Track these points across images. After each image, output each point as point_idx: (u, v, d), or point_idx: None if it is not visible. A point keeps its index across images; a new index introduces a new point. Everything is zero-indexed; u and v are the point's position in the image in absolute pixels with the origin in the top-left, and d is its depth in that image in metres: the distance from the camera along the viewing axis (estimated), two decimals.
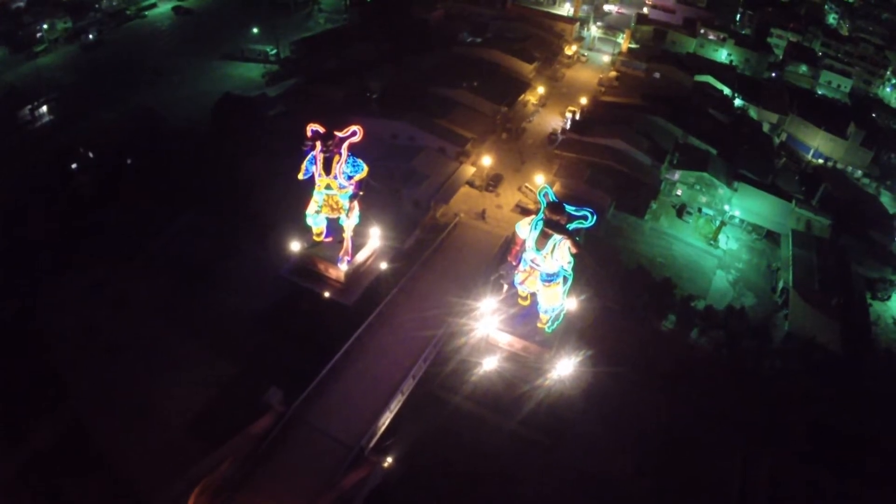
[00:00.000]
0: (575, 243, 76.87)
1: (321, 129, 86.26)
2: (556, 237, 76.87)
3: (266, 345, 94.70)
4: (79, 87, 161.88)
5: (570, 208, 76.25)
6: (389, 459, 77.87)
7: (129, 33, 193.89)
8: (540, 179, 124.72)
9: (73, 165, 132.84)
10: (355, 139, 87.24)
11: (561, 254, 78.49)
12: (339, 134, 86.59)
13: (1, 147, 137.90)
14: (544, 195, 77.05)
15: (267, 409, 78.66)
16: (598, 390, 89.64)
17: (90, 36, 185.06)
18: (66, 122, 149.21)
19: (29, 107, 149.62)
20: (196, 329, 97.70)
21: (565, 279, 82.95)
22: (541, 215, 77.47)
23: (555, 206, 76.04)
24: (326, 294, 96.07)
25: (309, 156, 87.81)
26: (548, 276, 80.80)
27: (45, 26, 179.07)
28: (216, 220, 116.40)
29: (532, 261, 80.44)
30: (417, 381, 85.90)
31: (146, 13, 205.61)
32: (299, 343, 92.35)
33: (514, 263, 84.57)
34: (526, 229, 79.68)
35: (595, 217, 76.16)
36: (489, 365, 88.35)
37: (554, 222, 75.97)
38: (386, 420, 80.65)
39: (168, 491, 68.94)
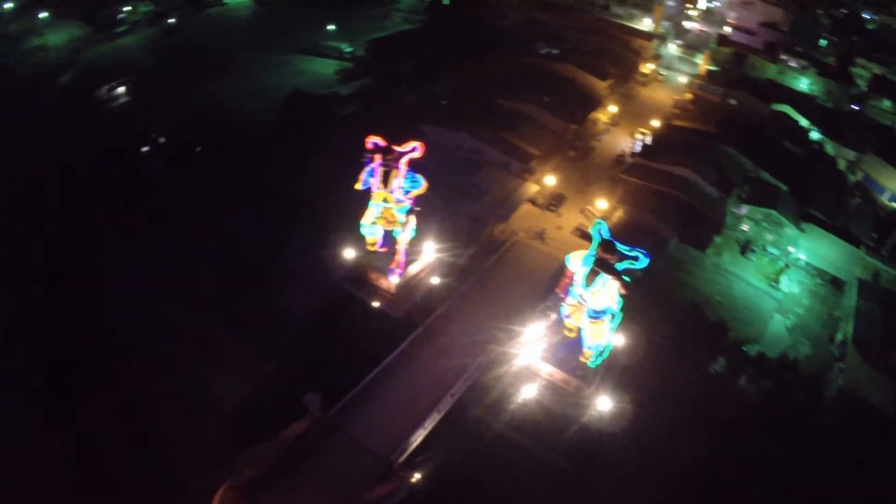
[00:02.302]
0: (624, 284, 75.82)
1: (382, 142, 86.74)
2: (606, 276, 76.00)
3: (312, 347, 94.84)
4: (155, 71, 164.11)
5: (622, 247, 75.53)
6: (418, 475, 77.52)
7: (208, 20, 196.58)
8: (603, 204, 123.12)
9: (144, 148, 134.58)
10: (415, 155, 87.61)
11: (609, 293, 77.78)
12: (398, 148, 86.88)
13: (77, 125, 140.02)
14: (598, 231, 76.11)
15: (304, 412, 79.33)
16: (637, 427, 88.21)
17: (170, 20, 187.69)
18: (140, 105, 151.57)
19: (107, 86, 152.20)
20: (245, 324, 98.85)
21: (613, 317, 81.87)
22: (593, 251, 76.62)
23: (606, 245, 75.27)
24: (376, 304, 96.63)
25: (368, 167, 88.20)
26: (595, 312, 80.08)
27: (127, 8, 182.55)
28: (277, 216, 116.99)
29: (580, 296, 79.89)
30: (455, 400, 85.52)
31: (226, 0, 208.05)
32: (344, 349, 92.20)
33: (562, 296, 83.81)
34: (577, 263, 79.12)
35: (647, 259, 75.23)
36: (529, 393, 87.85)
37: (604, 261, 75.13)
38: (420, 436, 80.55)
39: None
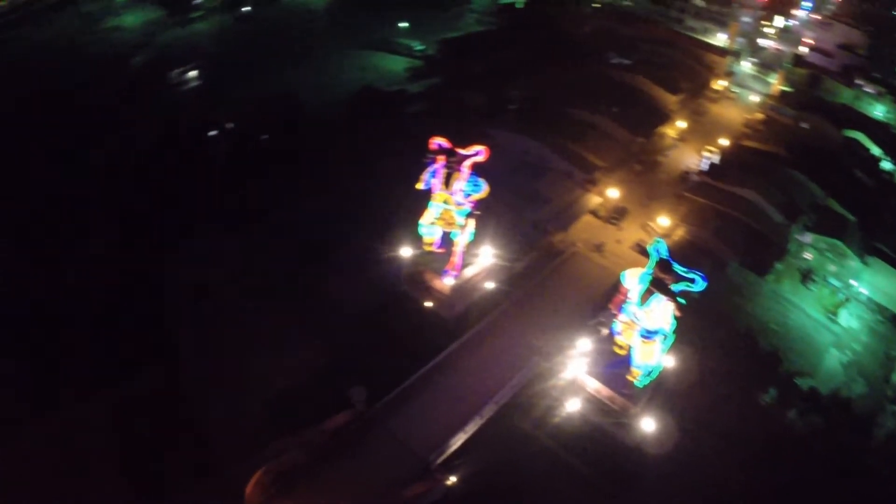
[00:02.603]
0: (679, 306, 75.26)
1: (446, 144, 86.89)
2: (661, 296, 75.48)
3: (362, 340, 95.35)
4: (227, 58, 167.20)
5: (680, 268, 74.89)
6: (454, 478, 77.86)
7: (282, 9, 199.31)
8: (664, 221, 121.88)
9: (212, 133, 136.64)
10: (479, 159, 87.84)
11: (663, 313, 77.38)
12: (462, 151, 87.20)
13: (147, 106, 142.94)
14: (656, 249, 75.56)
15: (348, 405, 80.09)
16: (679, 452, 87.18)
17: (244, 9, 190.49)
18: (210, 90, 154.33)
19: (178, 70, 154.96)
20: (300, 311, 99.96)
21: (664, 338, 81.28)
22: (650, 269, 76.16)
23: (664, 265, 74.73)
24: (429, 304, 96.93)
25: (431, 168, 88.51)
26: (647, 332, 79.74)
27: None
28: (338, 208, 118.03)
29: (633, 314, 79.48)
30: (499, 407, 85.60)
31: None
32: (393, 346, 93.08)
33: (615, 312, 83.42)
34: (633, 280, 78.86)
35: (705, 282, 74.49)
36: (573, 406, 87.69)
37: (660, 282, 74.65)
38: (460, 440, 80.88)
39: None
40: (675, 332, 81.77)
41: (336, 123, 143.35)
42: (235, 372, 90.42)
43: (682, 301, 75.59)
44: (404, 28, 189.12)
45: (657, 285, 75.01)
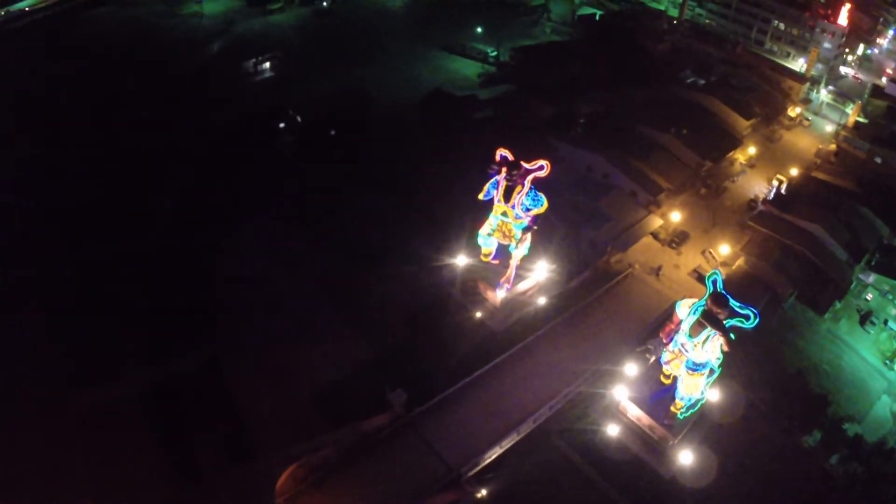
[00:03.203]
0: (728, 341, 74.55)
1: (509, 157, 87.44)
2: (711, 330, 74.89)
3: (408, 343, 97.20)
4: (302, 51, 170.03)
5: (734, 303, 74.05)
6: (484, 492, 78.46)
7: (360, 6, 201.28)
8: (725, 249, 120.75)
9: (281, 125, 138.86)
10: (541, 174, 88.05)
11: (712, 347, 76.90)
12: (525, 165, 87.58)
13: (220, 93, 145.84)
14: (712, 282, 75.01)
15: (388, 407, 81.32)
16: (713, 487, 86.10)
17: (324, 3, 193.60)
18: (283, 82, 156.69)
19: (254, 60, 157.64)
20: (349, 307, 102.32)
21: (711, 371, 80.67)
22: (703, 302, 75.58)
23: (718, 299, 73.99)
24: (478, 314, 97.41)
25: (492, 179, 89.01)
26: (694, 364, 79.20)
27: None
28: (398, 209, 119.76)
29: (682, 345, 78.85)
30: (537, 425, 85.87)
31: None
32: (439, 352, 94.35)
33: (664, 341, 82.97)
34: (685, 311, 78.34)
35: (758, 319, 73.55)
36: (612, 432, 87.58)
37: (712, 316, 73.97)
38: (494, 453, 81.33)
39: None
40: (721, 365, 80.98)
41: (405, 124, 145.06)
42: (280, 361, 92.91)
43: (733, 337, 74.87)
44: (479, 33, 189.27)
45: (708, 318, 74.34)
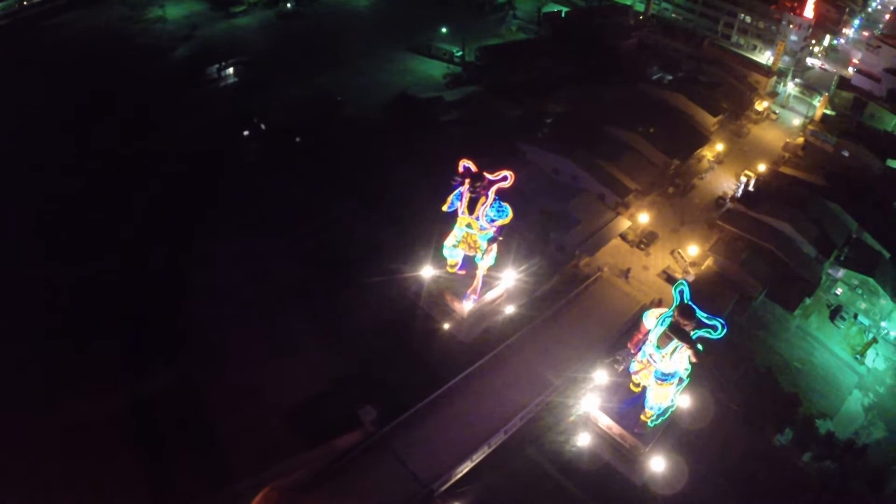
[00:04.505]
0: (696, 353, 74.30)
1: (473, 168, 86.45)
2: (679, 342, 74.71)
3: (377, 356, 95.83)
4: (267, 55, 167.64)
5: (701, 314, 73.80)
6: None
7: (325, 8, 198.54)
8: (694, 250, 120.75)
9: (245, 133, 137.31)
10: (505, 184, 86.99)
11: (680, 358, 76.58)
12: (489, 176, 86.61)
13: (184, 101, 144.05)
14: (679, 292, 74.59)
15: (358, 425, 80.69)
16: (685, 492, 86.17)
17: (288, 5, 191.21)
18: (247, 88, 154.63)
19: (217, 66, 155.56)
20: (319, 319, 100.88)
21: (680, 381, 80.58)
22: (670, 312, 75.24)
23: (685, 310, 73.75)
24: (447, 326, 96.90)
25: (456, 190, 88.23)
26: (662, 374, 79.23)
27: None
28: (366, 218, 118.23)
29: (650, 356, 78.54)
30: (509, 436, 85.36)
31: None
32: (409, 365, 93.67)
33: (632, 351, 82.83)
34: (653, 321, 78.02)
35: (725, 330, 73.45)
36: (583, 441, 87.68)
37: (680, 328, 73.66)
38: (466, 467, 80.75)
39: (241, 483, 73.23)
40: (690, 375, 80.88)
41: (372, 128, 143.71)
42: (251, 376, 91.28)
43: (701, 348, 74.60)
44: (444, 33, 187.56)
45: (676, 331, 74.02)
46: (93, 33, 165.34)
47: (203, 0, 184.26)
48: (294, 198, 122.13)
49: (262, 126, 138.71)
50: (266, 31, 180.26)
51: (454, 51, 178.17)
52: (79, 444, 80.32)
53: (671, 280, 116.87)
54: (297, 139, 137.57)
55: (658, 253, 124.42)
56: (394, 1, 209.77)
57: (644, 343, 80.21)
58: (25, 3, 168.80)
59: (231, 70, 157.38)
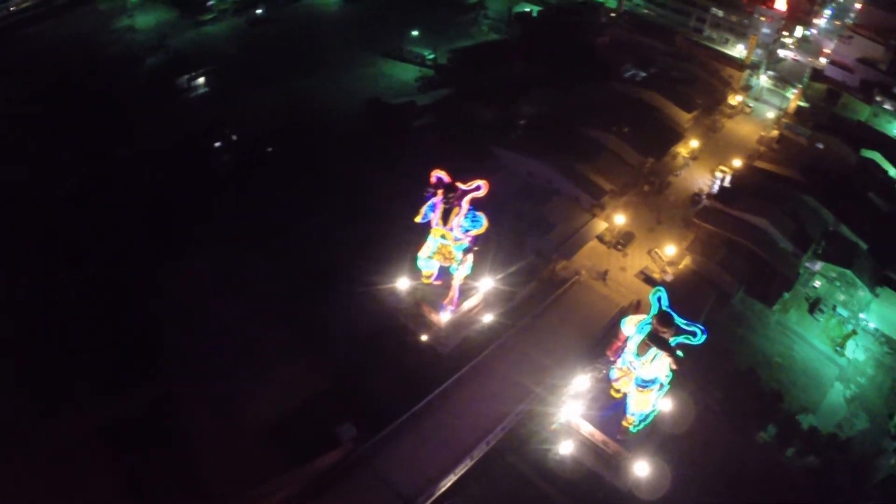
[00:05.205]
0: (676, 360, 73.81)
1: (446, 178, 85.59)
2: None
3: (356, 371, 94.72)
4: (238, 62, 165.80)
5: (680, 321, 73.39)
6: None
7: (296, 13, 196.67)
8: (671, 250, 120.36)
9: (217, 144, 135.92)
10: (479, 194, 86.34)
11: (660, 365, 76.02)
12: (462, 186, 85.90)
13: (155, 113, 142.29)
14: (657, 299, 74.07)
15: (338, 443, 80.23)
16: (671, 495, 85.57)
17: (258, 11, 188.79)
18: (219, 97, 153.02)
19: (187, 76, 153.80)
20: (297, 333, 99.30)
21: (661, 387, 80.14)
22: (649, 319, 74.72)
23: (663, 318, 73.29)
24: (424, 338, 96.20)
25: (429, 202, 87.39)
26: (643, 381, 78.84)
27: None
28: (341, 229, 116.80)
29: (630, 363, 77.97)
30: (490, 447, 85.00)
31: None
32: (387, 378, 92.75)
33: (612, 359, 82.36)
34: (631, 328, 77.36)
35: (704, 336, 72.93)
36: (566, 449, 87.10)
37: (658, 336, 73.12)
38: (449, 481, 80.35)
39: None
40: (671, 382, 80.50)
41: (345, 136, 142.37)
42: (230, 393, 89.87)
43: (681, 355, 74.12)
44: (415, 36, 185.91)
45: (655, 340, 73.52)
46: (62, 44, 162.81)
47: (172, 8, 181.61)
48: (268, 209, 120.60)
49: (234, 137, 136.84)
50: (236, 39, 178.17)
51: (426, 54, 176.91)
52: (53, 464, 79.24)
53: (649, 280, 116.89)
54: (270, 149, 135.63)
55: (635, 253, 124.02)
56: (365, 4, 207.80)
57: (623, 350, 79.67)
58: None
59: (202, 79, 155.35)
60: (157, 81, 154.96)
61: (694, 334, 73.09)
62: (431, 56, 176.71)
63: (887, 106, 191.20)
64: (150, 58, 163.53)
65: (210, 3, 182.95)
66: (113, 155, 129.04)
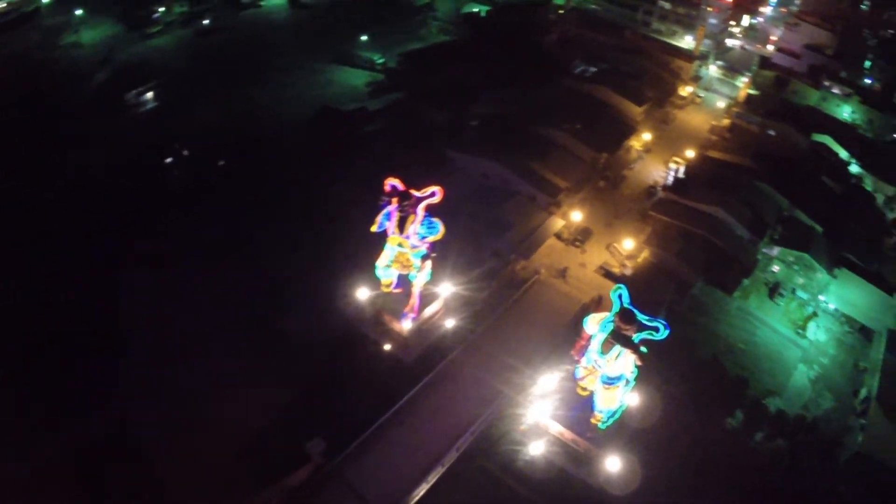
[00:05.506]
0: (640, 356, 73.80)
1: (400, 186, 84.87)
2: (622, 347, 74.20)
3: (320, 384, 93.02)
4: (187, 74, 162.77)
5: (642, 317, 73.34)
6: None
7: (243, 22, 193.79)
8: (629, 244, 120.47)
9: (168, 160, 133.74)
10: (434, 200, 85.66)
11: (625, 362, 75.88)
12: (416, 193, 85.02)
13: (104, 129, 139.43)
14: (618, 296, 73.97)
15: (307, 459, 78.79)
16: (644, 488, 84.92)
17: (205, 21, 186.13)
18: (168, 111, 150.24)
19: (135, 91, 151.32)
20: (261, 347, 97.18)
21: (627, 382, 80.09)
22: (611, 317, 74.56)
23: (625, 315, 73.18)
24: (387, 347, 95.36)
25: (385, 210, 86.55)
26: (609, 378, 78.53)
27: (161, 8, 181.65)
28: (298, 241, 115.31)
29: (595, 361, 77.74)
30: (461, 453, 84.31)
31: (262, 3, 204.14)
32: (353, 390, 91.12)
33: (576, 358, 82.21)
34: (594, 327, 77.15)
35: (667, 331, 72.87)
36: (537, 449, 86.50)
37: (621, 334, 73.02)
38: (422, 490, 79.45)
39: None
40: (637, 378, 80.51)
41: (297, 146, 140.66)
42: (194, 415, 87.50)
43: (645, 350, 74.07)
44: (365, 40, 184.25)
45: (618, 337, 73.49)
46: (6, 62, 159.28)
47: (118, 22, 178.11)
48: (222, 224, 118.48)
49: (185, 152, 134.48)
50: (184, 50, 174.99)
51: (375, 58, 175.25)
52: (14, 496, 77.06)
53: (609, 275, 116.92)
54: (222, 163, 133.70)
55: (594, 249, 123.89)
56: (313, 11, 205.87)
57: (587, 349, 79.45)
58: None
59: (150, 94, 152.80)
60: (105, 98, 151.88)
61: (657, 330, 73.08)
62: (381, 60, 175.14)
63: (835, 90, 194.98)
64: (98, 73, 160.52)
65: (156, 15, 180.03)
66: (62, 175, 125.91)
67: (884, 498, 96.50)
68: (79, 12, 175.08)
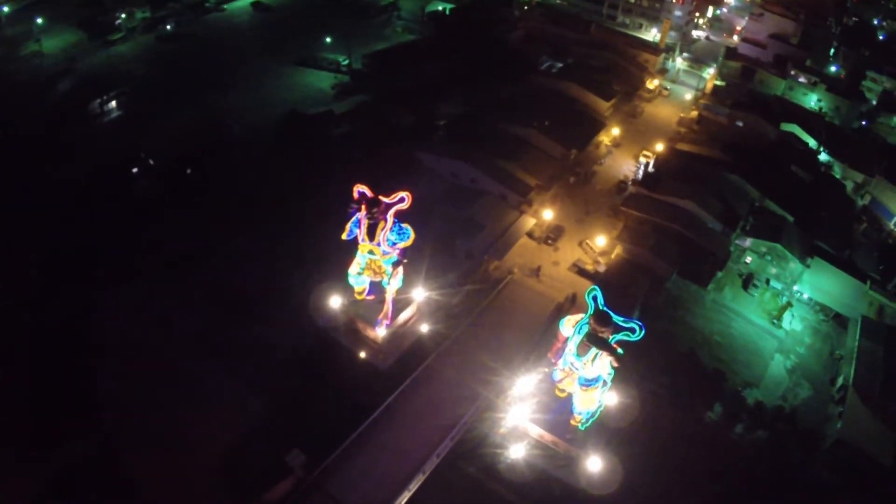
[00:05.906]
0: (617, 358, 72.97)
1: (368, 192, 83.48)
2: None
3: (297, 394, 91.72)
4: (151, 81, 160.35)
5: (618, 318, 72.47)
6: None
7: (206, 27, 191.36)
8: (601, 241, 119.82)
9: (134, 170, 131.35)
10: (402, 206, 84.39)
11: (601, 364, 75.08)
12: (385, 200, 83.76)
13: (68, 140, 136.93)
14: (593, 298, 73.14)
15: (288, 472, 77.07)
16: (626, 486, 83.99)
17: (167, 27, 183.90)
18: (133, 120, 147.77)
19: (99, 100, 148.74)
20: (235, 359, 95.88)
21: (605, 384, 79.29)
22: (586, 319, 73.67)
23: (601, 317, 72.33)
24: (362, 355, 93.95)
25: (354, 217, 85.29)
26: (586, 380, 77.84)
27: (123, 15, 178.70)
28: (268, 249, 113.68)
29: (571, 363, 76.89)
30: (441, 458, 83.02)
31: (225, 6, 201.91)
32: (331, 399, 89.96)
33: (553, 361, 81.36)
34: (570, 329, 76.28)
35: (643, 331, 71.97)
36: (518, 452, 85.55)
37: (597, 336, 72.15)
38: (405, 498, 78.29)
39: None
40: (612, 379, 79.84)
41: (263, 152, 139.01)
42: (172, 432, 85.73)
43: (621, 352, 73.24)
44: (329, 42, 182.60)
45: (594, 340, 72.58)
46: None
47: (79, 30, 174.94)
48: (191, 234, 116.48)
49: (151, 161, 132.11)
50: (147, 57, 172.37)
51: (340, 59, 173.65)
52: None
53: (583, 273, 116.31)
54: (189, 171, 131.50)
55: (566, 246, 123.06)
56: (276, 13, 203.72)
57: (563, 351, 78.58)
58: None
59: (114, 103, 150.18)
60: (69, 107, 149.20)
61: (633, 331, 72.15)
62: (346, 62, 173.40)
63: (801, 79, 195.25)
64: (60, 83, 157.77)
65: (118, 22, 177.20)
66: (25, 188, 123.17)
67: (865, 483, 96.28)
68: (39, 21, 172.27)
